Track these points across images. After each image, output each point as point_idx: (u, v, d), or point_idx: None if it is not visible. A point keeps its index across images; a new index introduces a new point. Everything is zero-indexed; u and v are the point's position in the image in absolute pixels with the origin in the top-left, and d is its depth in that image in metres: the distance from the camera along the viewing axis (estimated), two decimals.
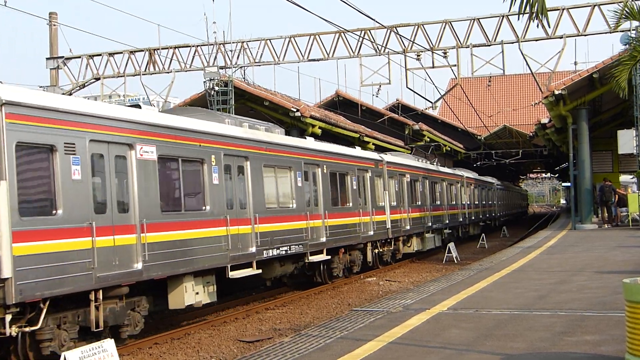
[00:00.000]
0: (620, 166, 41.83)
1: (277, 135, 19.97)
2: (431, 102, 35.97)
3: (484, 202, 52.54)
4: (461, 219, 41.76)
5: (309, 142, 22.59)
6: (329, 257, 22.09)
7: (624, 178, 43.98)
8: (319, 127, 36.05)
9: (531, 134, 51.71)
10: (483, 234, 41.45)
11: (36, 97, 11.81)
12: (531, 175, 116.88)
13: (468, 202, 44.44)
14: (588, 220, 35.03)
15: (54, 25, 35.31)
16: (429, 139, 50.54)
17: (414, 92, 51.08)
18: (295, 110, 34.69)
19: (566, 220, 44.84)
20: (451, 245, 31.39)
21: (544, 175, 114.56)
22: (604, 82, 32.90)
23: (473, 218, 46.21)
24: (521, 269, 19.08)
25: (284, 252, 18.80)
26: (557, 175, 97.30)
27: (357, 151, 27.00)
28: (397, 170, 29.54)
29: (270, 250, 18.14)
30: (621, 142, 32.98)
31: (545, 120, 40.21)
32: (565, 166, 56.35)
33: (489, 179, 58.37)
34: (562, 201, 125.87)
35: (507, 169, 76.70)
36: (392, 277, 25.76)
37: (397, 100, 56.45)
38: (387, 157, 29.24)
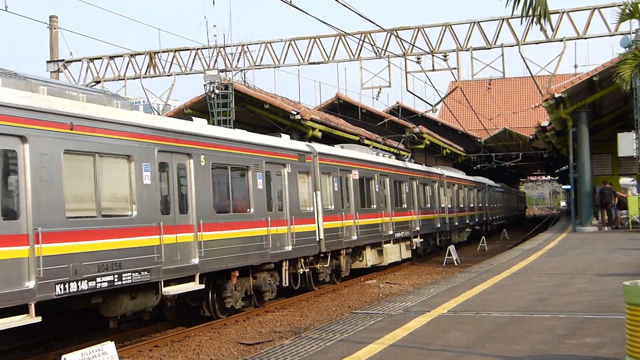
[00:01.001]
0: (620, 169, 41.84)
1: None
2: (431, 105, 36.00)
3: (472, 205, 46.92)
4: (439, 225, 36.17)
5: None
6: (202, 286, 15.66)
7: (624, 181, 43.96)
8: (319, 130, 36.08)
9: (531, 136, 51.71)
10: (483, 237, 41.43)
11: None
12: (531, 178, 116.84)
13: (450, 206, 39.11)
14: (588, 223, 35.04)
15: (55, 28, 35.33)
16: (429, 142, 50.56)
17: (414, 95, 51.15)
18: (295, 113, 34.70)
19: (566, 223, 44.82)
20: (451, 247, 31.41)
21: (544, 178, 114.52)
22: (604, 85, 32.94)
23: (457, 223, 40.58)
24: (521, 272, 19.08)
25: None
26: (557, 178, 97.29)
27: (268, 139, 19.96)
28: (338, 165, 23.68)
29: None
30: (621, 145, 33.01)
31: (545, 123, 40.22)
32: (566, 169, 56.37)
33: (480, 179, 53.93)
34: (562, 204, 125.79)
35: (507, 171, 76.61)
36: (392, 280, 25.78)
37: (397, 103, 56.46)
38: (321, 147, 23.11)
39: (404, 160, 34.55)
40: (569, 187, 52.19)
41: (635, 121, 31.54)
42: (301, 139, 30.32)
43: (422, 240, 32.58)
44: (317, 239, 21.24)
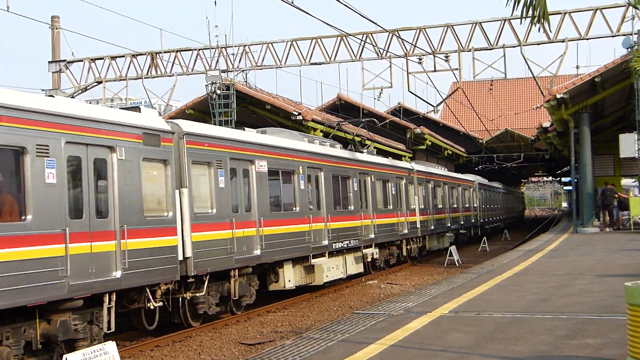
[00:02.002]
0: (621, 170, 41.85)
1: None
2: (433, 106, 35.90)
3: (456, 206, 41.45)
4: (405, 231, 29.96)
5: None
6: None
7: (625, 182, 43.98)
8: (321, 131, 36.06)
9: (533, 137, 51.69)
10: (484, 237, 41.41)
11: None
12: (533, 179, 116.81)
13: (423, 206, 33.07)
14: (589, 224, 35.03)
15: (56, 28, 35.34)
16: (430, 143, 50.54)
17: (416, 95, 51.25)
18: (297, 113, 34.69)
19: (568, 224, 44.81)
20: (453, 248, 31.42)
21: (545, 179, 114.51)
22: (606, 86, 32.94)
23: (433, 227, 34.62)
24: (523, 272, 19.07)
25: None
26: (558, 179, 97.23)
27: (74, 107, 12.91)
28: (226, 153, 17.01)
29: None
30: (623, 146, 32.99)
31: (547, 124, 40.22)
32: (567, 170, 56.38)
33: (470, 177, 49.39)
34: (564, 205, 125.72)
35: (509, 172, 76.56)
36: (393, 280, 25.77)
37: (398, 103, 56.44)
38: (193, 126, 16.39)
39: (362, 151, 28.63)
40: (570, 188, 52.19)
41: (637, 122, 31.51)
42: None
43: (376, 250, 26.38)
44: (180, 258, 14.87)
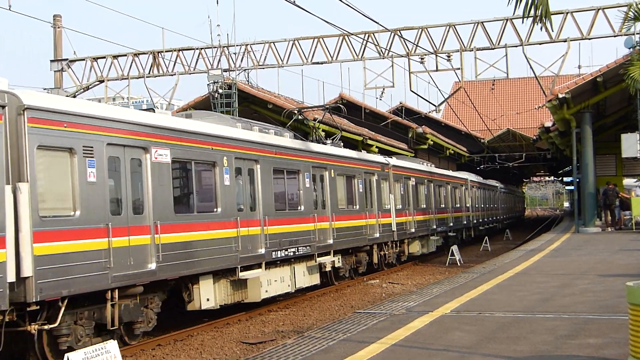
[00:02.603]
0: (623, 170, 41.83)
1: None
2: (435, 106, 35.93)
3: (444, 206, 37.62)
4: (376, 235, 26.07)
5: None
6: None
7: (627, 181, 43.96)
8: (323, 130, 36.06)
9: (535, 137, 51.68)
10: (486, 237, 41.38)
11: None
12: (534, 179, 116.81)
13: (400, 206, 29.39)
14: (591, 224, 35.02)
15: (58, 27, 35.36)
16: (432, 142, 50.54)
17: (418, 95, 51.17)
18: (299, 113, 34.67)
19: (569, 224, 44.79)
20: (454, 248, 31.41)
21: (547, 178, 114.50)
22: (608, 85, 32.92)
23: (413, 230, 30.85)
24: (524, 272, 19.07)
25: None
26: (560, 178, 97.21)
27: None
28: (89, 134, 12.62)
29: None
30: (625, 146, 32.98)
31: (548, 124, 40.21)
32: (569, 169, 56.35)
33: (463, 174, 46.07)
34: (566, 204, 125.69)
35: (511, 172, 76.53)
36: (395, 280, 25.78)
37: (400, 103, 56.45)
38: (34, 98, 11.81)
39: (326, 142, 25.27)
40: (572, 187, 52.15)
41: (639, 122, 31.50)
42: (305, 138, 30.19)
43: (336, 258, 22.80)
44: (11, 279, 10.82)
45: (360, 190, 25.14)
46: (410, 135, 48.61)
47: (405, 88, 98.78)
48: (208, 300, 16.05)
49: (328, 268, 22.22)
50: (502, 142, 58.57)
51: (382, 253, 27.49)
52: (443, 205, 37.49)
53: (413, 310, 13.37)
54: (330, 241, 22.05)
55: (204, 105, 35.49)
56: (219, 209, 16.39)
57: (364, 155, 27.57)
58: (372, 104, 53.86)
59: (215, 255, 15.88)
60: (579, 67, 43.94)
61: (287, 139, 20.78)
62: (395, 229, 28.07)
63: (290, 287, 19.86)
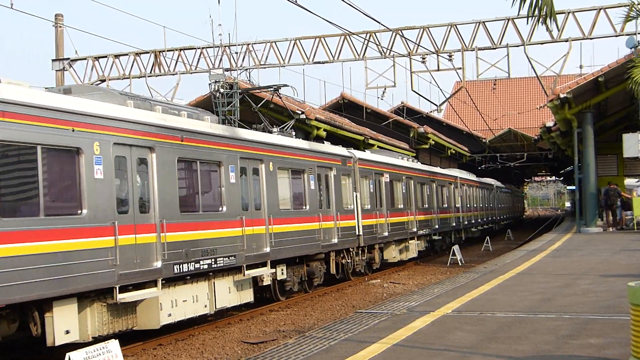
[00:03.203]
0: (625, 170, 41.80)
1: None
2: (436, 105, 35.98)
3: (427, 207, 33.68)
4: (334, 240, 22.33)
5: None
6: None
7: (629, 182, 43.97)
8: (324, 130, 36.09)
9: (536, 137, 51.67)
10: (487, 237, 41.36)
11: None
12: (536, 179, 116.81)
13: (368, 206, 25.55)
14: (593, 224, 35.00)
15: (60, 26, 35.36)
16: (433, 142, 50.52)
17: (419, 95, 51.15)
18: (300, 112, 34.70)
19: (571, 224, 44.77)
20: (455, 247, 31.39)
21: (548, 178, 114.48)
22: (609, 85, 32.90)
23: (387, 234, 26.99)
24: (526, 272, 19.07)
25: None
26: (561, 178, 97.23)
27: None
28: None
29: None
30: (626, 146, 32.95)
31: (550, 124, 40.18)
32: (570, 169, 56.32)
33: (451, 172, 42.54)
34: (567, 204, 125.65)
35: (512, 172, 76.49)
36: (396, 280, 25.79)
37: (402, 103, 56.42)
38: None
39: (272, 130, 21.48)
40: (573, 187, 52.08)
41: None
42: (306, 138, 30.27)
43: (286, 268, 19.66)
44: None
45: (312, 187, 21.09)
46: (411, 135, 48.60)
47: (406, 88, 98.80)
48: (68, 332, 12.18)
49: (267, 282, 18.33)
50: (504, 142, 58.56)
51: (343, 261, 23.69)
52: (427, 206, 33.66)
53: (414, 310, 13.37)
54: (267, 249, 18.01)
55: (206, 104, 35.47)
56: (85, 211, 12.48)
57: (317, 145, 22.89)
58: (373, 103, 53.98)
59: (82, 272, 12.12)
60: (581, 66, 43.86)
61: (204, 123, 16.63)
62: (361, 233, 24.27)
63: (208, 308, 15.96)
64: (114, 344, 10.15)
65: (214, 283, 16.24)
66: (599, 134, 37.86)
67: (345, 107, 47.32)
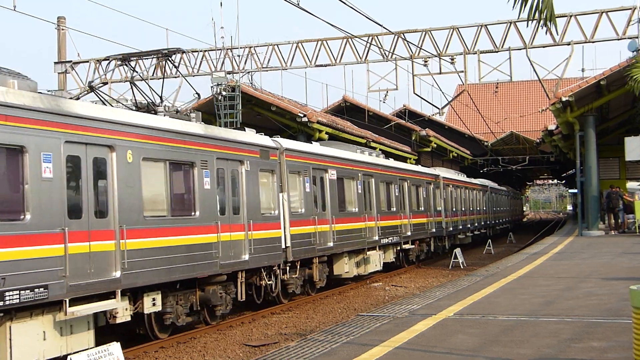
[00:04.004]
0: (627, 173, 41.75)
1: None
2: (438, 108, 35.99)
3: (394, 210, 28.31)
4: (245, 257, 17.19)
5: None
6: None
7: (631, 185, 43.88)
8: (326, 133, 36.11)
9: (538, 140, 51.66)
10: (489, 240, 41.32)
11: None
12: (538, 182, 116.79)
13: (303, 211, 20.43)
14: (595, 227, 34.96)
15: (62, 29, 35.41)
16: (435, 145, 50.52)
17: (421, 98, 51.24)
18: (302, 115, 34.73)
19: (573, 227, 44.74)
20: (457, 250, 31.35)
21: (550, 181, 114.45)
22: (611, 89, 32.88)
23: (331, 244, 21.90)
24: (528, 275, 19.04)
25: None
26: (563, 181, 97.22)
27: None
28: None
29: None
30: (628, 149, 32.93)
31: (552, 127, 40.18)
32: (572, 173, 56.32)
33: (434, 170, 38.13)
34: (569, 208, 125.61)
35: (514, 175, 76.43)
36: (398, 283, 25.78)
37: (404, 106, 56.53)
38: None
39: (133, 107, 16.16)
40: (575, 191, 51.99)
41: None
42: (308, 141, 30.25)
43: (155, 297, 14.22)
44: None
45: (206, 186, 15.97)
46: (413, 138, 48.64)
47: (408, 91, 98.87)
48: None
49: (121, 319, 13.24)
50: (506, 145, 58.57)
51: (262, 283, 18.30)
52: (394, 209, 28.32)
53: (416, 313, 13.35)
54: (117, 274, 12.85)
55: (208, 107, 35.52)
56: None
57: (219, 131, 17.31)
58: (375, 106, 53.95)
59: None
60: (583, 70, 43.73)
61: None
62: (289, 245, 19.19)
63: None
64: (116, 346, 10.16)
65: (9, 328, 11.01)
66: (601, 137, 37.83)
67: (347, 110, 47.38)
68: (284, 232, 19.11)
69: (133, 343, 14.36)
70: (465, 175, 46.41)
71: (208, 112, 35.07)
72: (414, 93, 33.42)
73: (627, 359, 8.66)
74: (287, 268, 19.44)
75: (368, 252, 24.90)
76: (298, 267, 20.08)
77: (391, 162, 30.18)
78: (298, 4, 18.40)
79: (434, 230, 34.03)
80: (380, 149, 39.97)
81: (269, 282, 18.55)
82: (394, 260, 28.41)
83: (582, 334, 10.59)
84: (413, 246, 30.61)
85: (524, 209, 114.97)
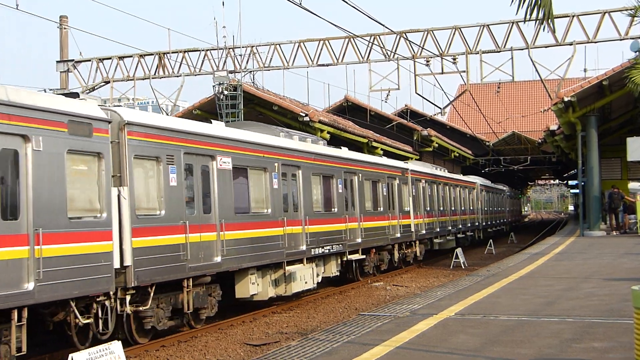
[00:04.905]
0: (629, 173, 41.74)
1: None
2: (440, 108, 35.96)
3: (335, 210, 22.55)
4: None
5: None
6: None
7: (632, 185, 43.87)
8: (328, 132, 36.09)
9: (540, 140, 51.62)
10: (491, 240, 41.25)
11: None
12: (539, 182, 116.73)
13: (158, 213, 14.38)
14: (596, 227, 34.95)
15: (65, 28, 35.42)
16: (437, 145, 50.48)
17: (423, 97, 51.19)
18: (304, 115, 34.71)
19: (574, 227, 44.72)
20: (459, 250, 31.32)
21: (552, 181, 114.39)
22: (613, 89, 32.87)
23: (218, 260, 15.88)
24: (529, 275, 19.03)
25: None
26: (565, 182, 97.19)
27: None
28: None
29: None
30: (630, 150, 32.92)
31: (554, 127, 40.15)
32: (574, 173, 56.25)
33: (403, 163, 31.74)
34: (570, 208, 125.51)
35: (516, 175, 76.33)
36: (399, 282, 25.77)
37: (405, 105, 56.45)
38: None
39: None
40: (577, 191, 51.89)
41: None
42: None
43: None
44: None
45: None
46: (415, 138, 48.59)
47: (410, 90, 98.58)
48: None
49: None
50: (508, 145, 58.53)
51: (76, 321, 12.53)
52: (336, 209, 22.60)
53: (417, 312, 13.35)
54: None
55: (210, 106, 35.56)
56: None
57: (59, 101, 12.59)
58: (377, 106, 54.01)
59: None
60: (585, 70, 43.98)
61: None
62: (129, 263, 13.36)
63: None
64: (117, 345, 10.16)
65: None
66: (602, 138, 37.82)
67: (349, 109, 47.34)
68: (120, 244, 13.27)
69: (134, 342, 14.36)
70: (446, 170, 41.38)
71: (210, 111, 35.12)
72: (416, 93, 33.61)
73: (628, 359, 8.67)
74: (130, 297, 13.62)
75: (289, 267, 19.15)
76: (152, 294, 14.01)
77: (333, 150, 23.99)
78: (300, 4, 18.38)
79: (398, 235, 28.14)
80: (382, 149, 40.01)
81: (84, 321, 12.49)
82: (338, 274, 23.09)
83: (583, 334, 10.58)
84: (364, 256, 24.69)
85: (526, 209, 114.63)
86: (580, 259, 23.24)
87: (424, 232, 31.78)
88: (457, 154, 56.96)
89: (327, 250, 21.60)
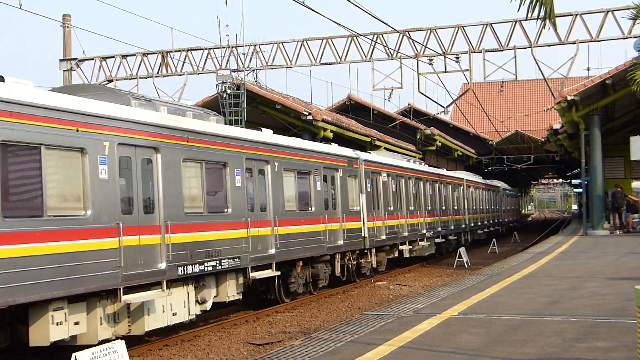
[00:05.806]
0: (632, 172, 41.69)
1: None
2: (443, 107, 35.93)
3: (228, 211, 16.02)
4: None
5: None
6: None
7: (636, 184, 43.82)
8: (331, 131, 36.10)
9: (543, 139, 51.59)
10: (494, 239, 41.22)
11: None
12: (543, 181, 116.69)
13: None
14: (600, 227, 34.92)
15: (68, 27, 35.45)
16: (440, 144, 50.49)
17: (426, 96, 51.14)
18: (307, 113, 34.73)
19: (577, 226, 44.69)
20: (462, 250, 31.29)
21: (555, 181, 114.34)
22: (617, 88, 32.82)
23: (19, 280, 10.40)
24: (532, 275, 19.02)
25: None
26: (568, 181, 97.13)
27: None
28: None
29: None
30: (634, 148, 32.85)
31: (557, 126, 40.13)
32: (577, 172, 56.23)
33: (349, 151, 24.28)
34: (574, 207, 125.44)
35: (519, 174, 76.33)
36: (402, 282, 25.76)
37: (408, 104, 56.46)
38: None
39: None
40: (580, 190, 51.83)
41: None
42: (312, 139, 30.23)
43: None
44: None
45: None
46: (418, 137, 48.62)
47: (413, 89, 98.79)
48: None
49: None
50: (511, 144, 58.52)
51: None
52: (229, 210, 16.23)
53: (421, 312, 13.35)
54: None
55: (213, 105, 35.54)
56: None
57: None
58: (380, 105, 53.85)
59: None
60: (588, 69, 43.84)
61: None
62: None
63: None
64: (120, 344, 10.16)
65: None
66: (606, 137, 37.79)
67: (352, 108, 47.38)
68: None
69: (138, 342, 14.38)
70: (423, 163, 37.24)
71: (213, 109, 35.10)
72: (419, 92, 33.40)
73: (631, 359, 8.65)
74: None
75: (129, 296, 12.62)
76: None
77: (228, 129, 16.99)
78: (303, 2, 18.38)
79: (340, 242, 22.10)
80: (385, 148, 39.95)
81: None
82: (240, 297, 16.98)
83: (586, 334, 10.57)
84: (278, 272, 18.22)
85: (529, 208, 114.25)
86: (584, 258, 23.22)
87: (383, 237, 25.85)
88: (460, 153, 56.98)
89: (209, 268, 15.17)
